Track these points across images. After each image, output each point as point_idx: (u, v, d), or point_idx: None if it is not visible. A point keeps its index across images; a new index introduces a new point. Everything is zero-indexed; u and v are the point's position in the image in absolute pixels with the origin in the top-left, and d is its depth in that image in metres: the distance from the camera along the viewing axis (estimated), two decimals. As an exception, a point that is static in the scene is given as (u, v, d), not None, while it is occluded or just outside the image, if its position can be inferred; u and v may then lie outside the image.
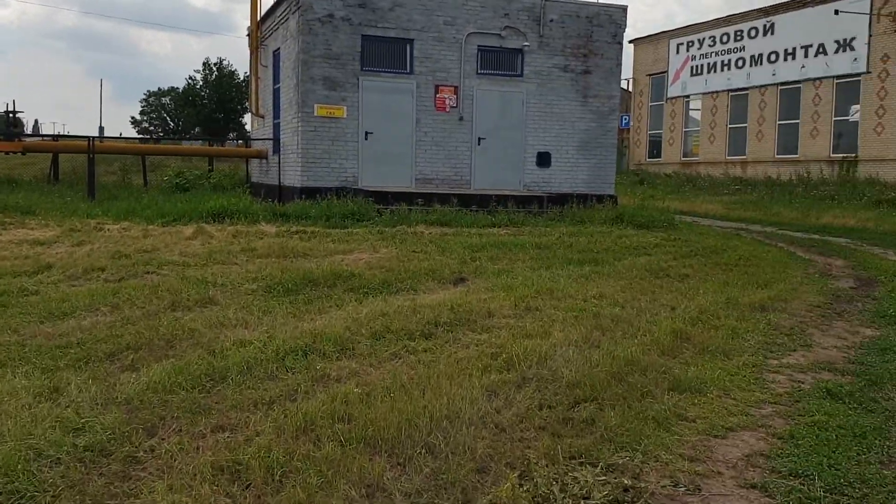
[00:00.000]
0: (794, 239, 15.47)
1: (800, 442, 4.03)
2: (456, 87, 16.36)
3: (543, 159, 16.90)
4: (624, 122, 39.75)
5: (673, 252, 11.44)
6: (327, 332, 5.55)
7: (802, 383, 5.16)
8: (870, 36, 25.31)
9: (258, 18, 19.33)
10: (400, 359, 5.16)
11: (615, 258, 10.56)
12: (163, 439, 3.77)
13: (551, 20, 16.71)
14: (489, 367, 4.95)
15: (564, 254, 10.67)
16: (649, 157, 37.31)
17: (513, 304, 6.94)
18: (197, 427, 3.90)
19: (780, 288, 8.61)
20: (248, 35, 20.63)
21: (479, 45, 16.46)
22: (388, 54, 16.10)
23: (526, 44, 16.53)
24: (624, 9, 17.17)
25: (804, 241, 14.89)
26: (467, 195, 15.37)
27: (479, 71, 16.50)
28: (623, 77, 41.33)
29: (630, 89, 39.09)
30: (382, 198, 14.62)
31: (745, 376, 5.21)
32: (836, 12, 25.42)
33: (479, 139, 16.51)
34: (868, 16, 25.14)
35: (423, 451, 3.58)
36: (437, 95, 16.30)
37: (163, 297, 7.07)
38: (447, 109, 16.34)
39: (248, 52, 20.72)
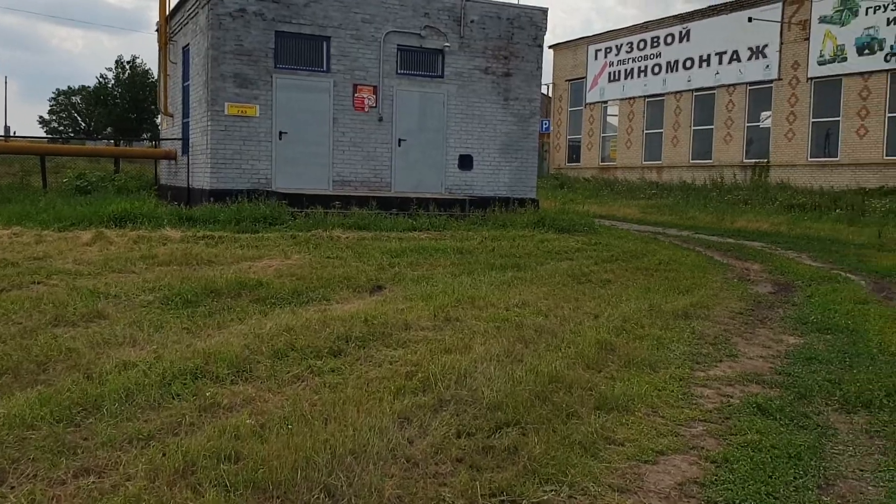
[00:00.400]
0: (711, 243, 15.64)
1: (734, 466, 3.75)
2: (375, 87, 15.87)
3: (465, 162, 16.59)
4: (544, 126, 40.06)
5: (594, 256, 11.27)
6: (223, 351, 4.99)
7: (731, 398, 4.93)
8: (781, 43, 26.12)
9: (167, 13, 18.36)
10: (303, 382, 4.66)
11: (538, 263, 10.30)
12: (13, 488, 3.19)
13: (472, 21, 16.43)
14: (403, 388, 4.52)
15: (486, 259, 10.34)
16: (569, 162, 37.67)
17: (432, 315, 6.53)
18: (57, 471, 3.33)
19: (702, 294, 8.49)
20: (157, 30, 19.61)
21: (398, 45, 16.03)
22: (303, 52, 15.49)
23: (446, 44, 16.20)
24: (544, 11, 17.06)
25: (721, 245, 15.06)
26: (387, 198, 14.91)
27: (398, 71, 16.07)
28: (543, 82, 41.68)
29: (550, 94, 39.42)
30: (297, 201, 14.00)
31: (672, 391, 4.95)
32: (750, 19, 26.14)
33: (400, 140, 16.07)
34: (779, 24, 25.93)
35: (322, 494, 3.12)
36: (356, 95, 15.78)
37: (45, 310, 6.36)
38: (366, 109, 15.84)
39: (158, 48, 19.69)
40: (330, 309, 6.88)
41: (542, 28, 17.00)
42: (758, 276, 10.88)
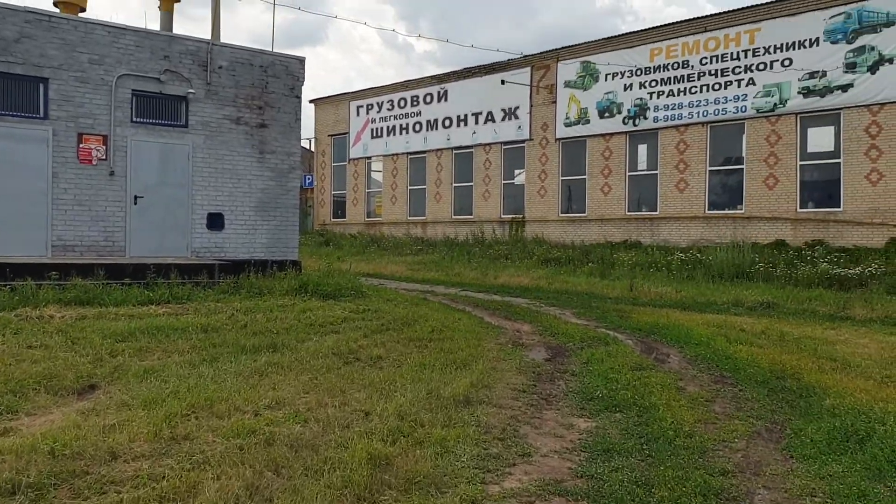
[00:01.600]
0: (479, 301, 15.29)
1: None
2: (105, 137, 13.73)
3: (215, 221, 14.85)
4: (307, 181, 38.95)
5: (363, 327, 10.17)
6: None
7: (536, 524, 3.98)
8: (531, 106, 27.41)
9: None
10: None
11: (298, 340, 8.95)
12: None
13: (220, 67, 14.92)
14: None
15: (237, 338, 8.79)
16: (334, 217, 36.77)
17: (153, 433, 4.96)
18: None
19: (480, 368, 7.69)
20: None
21: (133, 90, 14.06)
22: (14, 95, 13.03)
23: (191, 91, 14.51)
24: (301, 60, 16.02)
25: (489, 304, 14.72)
26: (119, 265, 12.72)
27: (134, 119, 14.07)
28: (305, 136, 40.66)
29: (313, 149, 38.45)
30: (0, 272, 11.43)
31: (466, 524, 3.89)
32: (503, 82, 27.18)
33: (136, 197, 13.99)
34: (529, 87, 27.23)
35: None
36: (81, 146, 13.52)
37: None
38: (94, 162, 13.62)
39: None
40: (12, 429, 5.06)
41: (299, 78, 15.93)
42: (530, 338, 10.43)
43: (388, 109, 33.59)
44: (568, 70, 26.27)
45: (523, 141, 27.82)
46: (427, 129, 31.68)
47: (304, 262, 26.61)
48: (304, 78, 15.96)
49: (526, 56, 27.46)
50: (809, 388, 7.06)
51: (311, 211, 39.48)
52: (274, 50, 16.20)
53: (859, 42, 19.56)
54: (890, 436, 5.33)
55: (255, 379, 6.76)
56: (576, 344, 9.91)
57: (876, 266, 17.29)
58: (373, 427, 5.31)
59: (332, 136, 36.90)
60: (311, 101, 38.49)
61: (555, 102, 26.64)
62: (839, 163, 20.19)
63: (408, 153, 32.64)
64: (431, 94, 31.57)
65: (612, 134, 25.02)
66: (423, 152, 31.91)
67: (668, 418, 5.97)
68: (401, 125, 32.96)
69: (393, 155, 33.32)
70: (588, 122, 25.64)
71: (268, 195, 15.44)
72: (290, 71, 15.78)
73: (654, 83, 23.94)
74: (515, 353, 8.97)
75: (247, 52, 15.37)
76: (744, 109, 21.90)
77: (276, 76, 15.57)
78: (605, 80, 25.17)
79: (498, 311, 13.63)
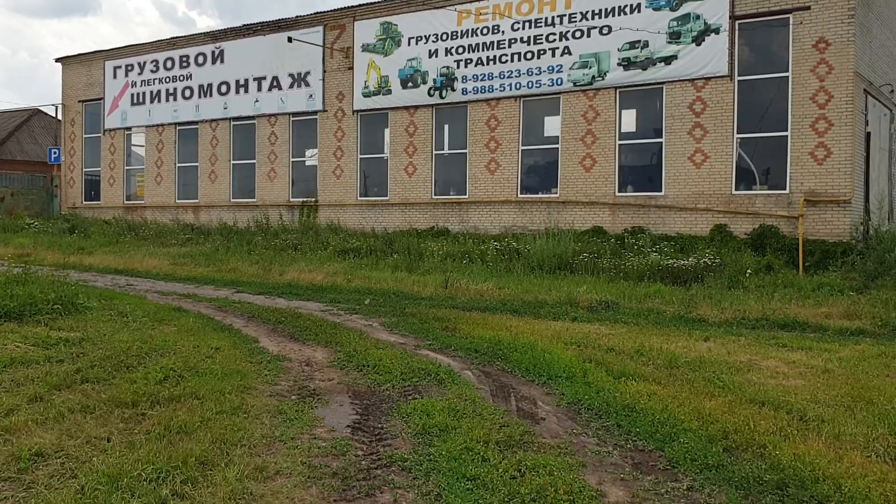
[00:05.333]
0: (256, 310, 11.50)
1: None
2: None
3: None
4: (54, 156, 32.34)
5: (42, 377, 6.04)
6: None
7: None
8: (324, 72, 23.62)
9: None
10: None
11: None
12: None
13: None
14: None
15: None
16: (87, 200, 30.62)
17: None
18: None
19: (232, 477, 4.06)
20: None
21: None
22: None
23: None
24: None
25: (269, 315, 10.97)
26: None
27: None
28: (52, 103, 33.75)
29: (60, 117, 31.89)
30: None
31: None
32: (290, 40, 23.11)
33: None
34: (321, 48, 23.41)
35: None
36: None
37: None
38: None
39: None
40: None
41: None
42: (325, 378, 6.93)
43: (152, 71, 28.17)
44: (367, 31, 22.81)
45: (315, 112, 23.98)
46: (200, 96, 26.77)
47: (39, 256, 20.99)
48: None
49: (318, 13, 23.62)
50: (802, 481, 4.21)
51: (59, 192, 32.82)
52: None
53: (683, 9, 17.93)
54: None
55: None
56: (396, 385, 6.56)
57: (709, 256, 15.69)
58: None
59: (83, 102, 30.63)
60: (57, 60, 31.82)
61: (352, 69, 23.08)
62: (661, 142, 18.58)
63: (176, 123, 27.50)
64: (204, 55, 26.69)
65: (416, 107, 21.94)
66: (195, 123, 26.97)
67: None
68: (167, 90, 27.71)
69: (158, 126, 27.98)
70: (389, 92, 22.37)
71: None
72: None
73: (461, 49, 21.17)
74: (301, 420, 5.41)
75: None
76: (559, 82, 19.74)
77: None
78: (409, 44, 22.02)
79: (281, 326, 9.97)
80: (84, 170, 30.78)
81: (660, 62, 18.33)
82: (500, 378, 7.05)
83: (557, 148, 19.92)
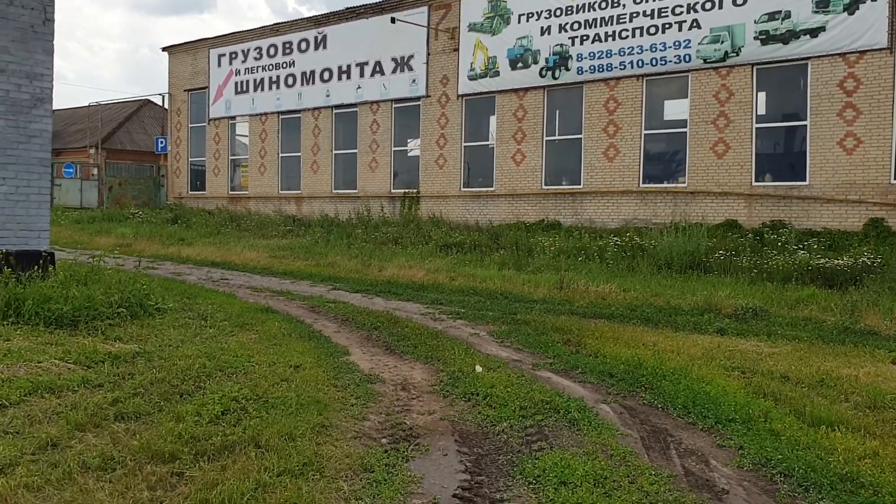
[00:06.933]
0: (351, 311, 10.25)
1: None
2: None
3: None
4: (161, 146, 32.59)
5: (68, 416, 4.84)
6: None
7: None
8: (428, 54, 22.32)
9: None
10: None
11: None
12: None
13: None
14: None
15: None
16: (192, 190, 30.63)
17: None
18: None
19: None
20: None
21: None
22: None
23: None
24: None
25: (365, 317, 9.69)
26: None
27: None
28: (158, 92, 34.05)
29: (167, 107, 32.10)
30: None
31: None
32: (393, 20, 21.92)
33: None
34: (426, 29, 22.11)
35: None
36: None
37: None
38: None
39: None
40: None
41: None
42: (425, 411, 5.50)
43: (256, 59, 27.71)
44: (474, 9, 21.32)
45: (418, 98, 22.72)
46: (302, 84, 26.06)
47: (139, 247, 20.70)
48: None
49: (422, -8, 22.37)
50: None
51: (165, 182, 33.10)
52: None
53: (837, -27, 15.53)
54: None
55: None
56: (515, 425, 5.06)
57: (867, 255, 13.38)
58: None
59: (189, 91, 30.63)
60: (164, 49, 31.98)
61: (457, 50, 21.66)
62: (805, 125, 16.21)
63: (279, 112, 26.92)
64: (307, 41, 25.94)
65: (526, 89, 20.29)
66: (298, 111, 26.28)
67: None
68: (270, 78, 27.17)
69: (261, 115, 27.51)
70: (497, 73, 20.81)
71: None
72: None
73: (577, 25, 19.34)
74: (392, 484, 3.98)
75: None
76: (687, 59, 17.62)
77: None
78: (519, 21, 20.38)
79: (376, 333, 8.65)
80: (190, 159, 30.80)
81: (804, 35, 15.95)
82: (650, 418, 5.42)
83: (685, 132, 17.84)
